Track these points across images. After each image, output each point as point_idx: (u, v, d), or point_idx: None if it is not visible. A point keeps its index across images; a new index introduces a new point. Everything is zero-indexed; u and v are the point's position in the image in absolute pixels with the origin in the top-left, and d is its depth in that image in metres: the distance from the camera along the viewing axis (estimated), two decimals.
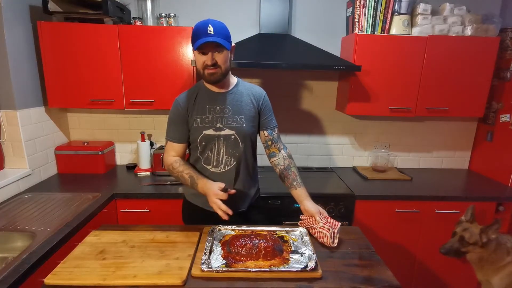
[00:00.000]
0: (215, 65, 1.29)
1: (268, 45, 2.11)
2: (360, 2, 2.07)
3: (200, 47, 1.25)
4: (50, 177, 2.18)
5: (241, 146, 1.43)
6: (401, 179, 2.34)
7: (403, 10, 2.07)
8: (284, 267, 1.11)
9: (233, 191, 1.32)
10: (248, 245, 1.18)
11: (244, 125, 1.42)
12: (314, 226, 1.34)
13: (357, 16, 2.10)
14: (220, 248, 1.21)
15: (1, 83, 1.85)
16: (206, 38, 1.22)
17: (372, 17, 2.09)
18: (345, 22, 2.32)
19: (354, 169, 2.57)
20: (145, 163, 2.34)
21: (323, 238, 1.29)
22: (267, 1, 2.15)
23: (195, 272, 1.08)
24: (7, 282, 1.10)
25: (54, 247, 1.34)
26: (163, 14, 2.15)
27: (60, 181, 2.14)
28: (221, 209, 1.25)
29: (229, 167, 1.43)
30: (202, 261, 1.11)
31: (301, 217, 1.42)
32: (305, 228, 1.37)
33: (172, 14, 2.15)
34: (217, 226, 1.35)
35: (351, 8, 2.18)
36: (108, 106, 2.10)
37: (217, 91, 1.42)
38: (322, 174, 2.46)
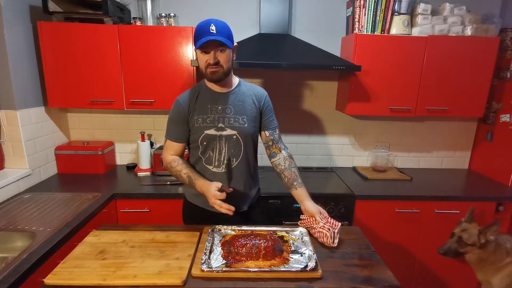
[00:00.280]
0: (217, 64, 1.29)
1: (268, 45, 2.11)
2: (360, 2, 2.07)
3: (203, 46, 1.25)
4: (50, 177, 2.18)
5: (242, 146, 1.43)
6: (401, 179, 2.34)
7: (403, 10, 2.07)
8: (284, 267, 1.11)
9: (230, 189, 1.32)
10: (248, 245, 1.17)
11: (246, 125, 1.42)
12: (314, 226, 1.34)
13: (357, 16, 2.10)
14: (220, 248, 1.21)
15: (1, 83, 1.85)
16: (209, 37, 1.22)
17: (372, 17, 2.09)
18: (345, 22, 2.32)
19: (354, 169, 2.57)
20: (145, 163, 2.34)
21: (323, 238, 1.29)
22: (267, 1, 2.15)
23: (195, 272, 1.08)
24: (7, 282, 1.10)
25: (54, 247, 1.34)
26: (163, 14, 2.15)
27: (60, 181, 2.14)
28: (224, 207, 1.26)
29: None
30: (202, 261, 1.11)
31: (301, 217, 1.42)
32: (305, 228, 1.37)
33: (172, 14, 2.15)
34: (217, 226, 1.35)
35: (351, 8, 2.18)
36: (108, 106, 2.10)
37: (219, 91, 1.42)
38: (322, 174, 2.46)
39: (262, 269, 1.09)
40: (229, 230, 1.34)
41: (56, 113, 2.26)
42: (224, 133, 1.40)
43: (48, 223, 1.52)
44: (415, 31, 2.11)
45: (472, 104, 2.21)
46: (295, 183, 1.46)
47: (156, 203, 1.96)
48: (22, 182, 1.93)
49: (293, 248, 1.23)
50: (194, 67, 2.05)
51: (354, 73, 2.11)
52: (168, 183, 2.11)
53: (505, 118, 2.26)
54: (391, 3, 2.06)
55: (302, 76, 2.44)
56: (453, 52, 2.09)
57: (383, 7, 2.07)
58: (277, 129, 1.53)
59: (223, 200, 1.26)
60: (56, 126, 2.27)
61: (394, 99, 2.17)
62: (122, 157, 2.53)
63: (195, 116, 1.40)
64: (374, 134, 2.58)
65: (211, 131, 1.39)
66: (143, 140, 2.34)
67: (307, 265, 1.10)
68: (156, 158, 2.24)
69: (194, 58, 1.99)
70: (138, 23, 2.11)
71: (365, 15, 2.09)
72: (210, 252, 1.18)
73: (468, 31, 2.12)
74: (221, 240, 1.27)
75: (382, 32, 2.12)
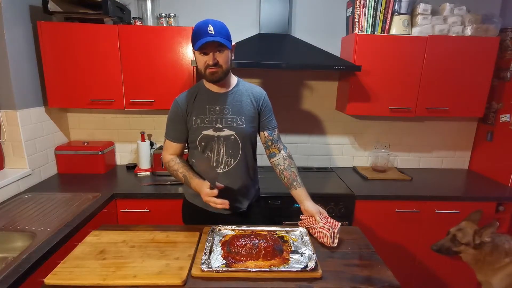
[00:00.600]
0: (216, 64, 1.29)
1: (268, 45, 2.11)
2: (360, 2, 2.07)
3: (202, 47, 1.25)
4: (50, 177, 2.18)
5: (241, 146, 1.43)
6: (401, 179, 2.34)
7: (403, 10, 2.07)
8: (284, 267, 1.11)
9: (221, 185, 1.32)
10: (248, 245, 1.17)
11: (244, 125, 1.42)
12: (314, 226, 1.34)
13: (357, 16, 2.10)
14: (220, 248, 1.21)
15: (1, 83, 1.85)
16: (207, 38, 1.22)
17: (372, 17, 2.09)
18: (345, 22, 2.32)
19: (354, 169, 2.57)
20: (145, 163, 2.34)
21: (323, 238, 1.29)
22: (267, 1, 2.15)
23: (195, 272, 1.08)
24: (7, 282, 1.10)
25: (54, 247, 1.34)
26: (163, 14, 2.15)
27: (60, 181, 2.14)
28: (218, 203, 1.26)
29: (229, 168, 1.43)
30: (202, 261, 1.11)
31: (301, 217, 1.42)
32: (305, 228, 1.37)
33: (172, 14, 2.15)
34: (217, 226, 1.35)
35: (351, 8, 2.18)
36: (108, 106, 2.10)
37: (217, 91, 1.42)
38: (322, 174, 2.46)
39: (262, 269, 1.09)
40: (229, 230, 1.34)
41: (56, 113, 2.26)
42: (222, 133, 1.40)
43: (48, 223, 1.52)
44: (415, 31, 2.11)
45: (472, 104, 2.21)
46: (294, 183, 1.46)
47: (156, 203, 1.96)
48: (22, 182, 1.93)
49: (293, 248, 1.23)
50: (194, 67, 2.05)
51: (354, 73, 2.11)
52: (168, 183, 2.11)
53: (505, 118, 2.26)
54: (391, 3, 2.06)
55: (302, 76, 2.44)
56: (453, 52, 2.09)
57: (383, 7, 2.07)
58: (276, 129, 1.52)
59: (216, 197, 1.27)
60: (56, 126, 2.27)
61: (394, 99, 2.17)
62: (122, 157, 2.53)
63: (193, 116, 1.40)
64: (374, 134, 2.58)
65: (209, 132, 1.39)
66: (143, 140, 2.34)
67: (307, 265, 1.10)
68: (156, 158, 2.24)
69: (193, 59, 1.99)
70: (138, 23, 2.11)
71: (365, 15, 2.09)
72: (210, 252, 1.18)
73: (468, 31, 2.12)
74: (221, 240, 1.27)
75: (382, 32, 2.12)
